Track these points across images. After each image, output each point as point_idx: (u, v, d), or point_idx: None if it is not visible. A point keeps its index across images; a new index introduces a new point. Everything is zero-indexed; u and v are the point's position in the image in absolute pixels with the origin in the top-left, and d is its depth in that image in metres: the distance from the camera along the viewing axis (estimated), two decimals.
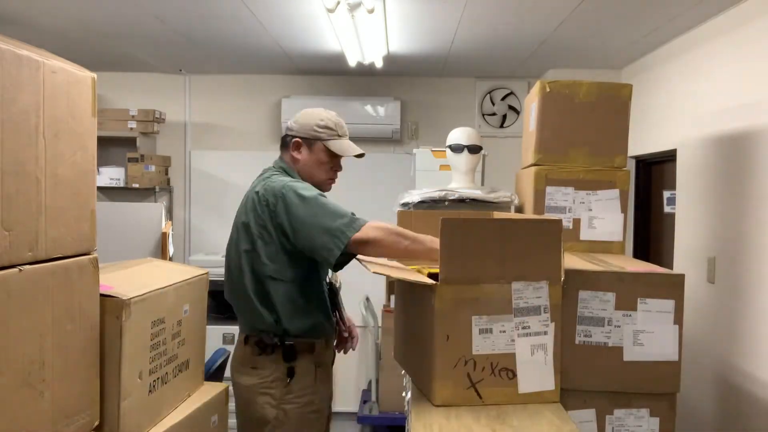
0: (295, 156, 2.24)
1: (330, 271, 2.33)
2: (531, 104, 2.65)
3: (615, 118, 2.54)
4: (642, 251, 4.08)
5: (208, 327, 2.10)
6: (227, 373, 2.45)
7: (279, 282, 2.12)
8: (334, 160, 2.26)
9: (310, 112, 2.27)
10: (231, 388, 2.18)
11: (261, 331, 2.15)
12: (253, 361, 2.15)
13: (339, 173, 2.32)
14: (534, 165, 2.55)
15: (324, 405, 2.27)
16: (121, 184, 4.67)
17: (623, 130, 2.55)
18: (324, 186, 2.26)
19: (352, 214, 2.02)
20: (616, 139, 2.55)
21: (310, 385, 2.17)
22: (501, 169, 4.37)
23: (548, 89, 2.48)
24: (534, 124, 2.55)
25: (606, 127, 2.53)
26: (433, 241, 1.86)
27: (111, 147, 4.78)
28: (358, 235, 1.95)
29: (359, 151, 2.27)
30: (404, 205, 2.76)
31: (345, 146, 2.25)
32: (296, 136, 2.24)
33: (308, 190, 2.08)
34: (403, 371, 2.20)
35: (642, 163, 4.15)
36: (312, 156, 2.24)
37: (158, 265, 2.08)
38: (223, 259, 2.29)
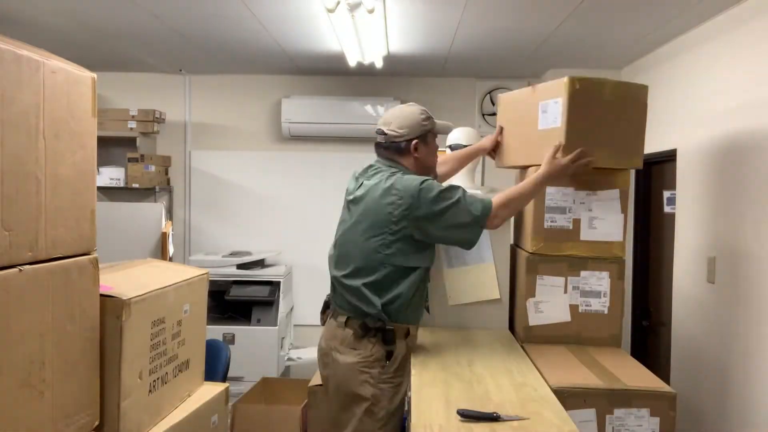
0: (417, 157, 2.31)
1: None
2: (548, 100, 2.47)
3: (635, 120, 2.46)
4: (642, 251, 4.08)
5: (208, 327, 2.10)
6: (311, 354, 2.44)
7: (402, 271, 2.23)
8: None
9: (405, 112, 2.34)
10: (324, 363, 2.35)
11: (366, 315, 2.22)
12: (354, 343, 2.24)
13: None
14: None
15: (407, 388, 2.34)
16: (121, 184, 4.68)
17: (642, 131, 2.48)
18: (434, 168, 2.44)
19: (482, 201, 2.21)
20: (635, 141, 2.48)
21: (403, 368, 2.26)
22: (501, 169, 4.36)
23: (578, 86, 2.34)
24: (560, 120, 2.39)
25: (627, 128, 2.45)
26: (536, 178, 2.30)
27: (111, 147, 4.78)
28: (489, 217, 2.19)
29: (450, 124, 2.51)
30: None
31: (442, 124, 2.40)
32: (412, 139, 2.30)
33: (442, 188, 2.20)
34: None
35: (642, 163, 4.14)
36: (429, 147, 2.35)
37: (158, 266, 2.08)
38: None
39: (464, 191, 2.19)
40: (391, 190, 2.19)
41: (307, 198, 4.94)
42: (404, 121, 2.30)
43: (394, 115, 2.33)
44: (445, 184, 2.27)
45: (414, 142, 2.29)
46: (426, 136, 2.32)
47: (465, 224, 2.18)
